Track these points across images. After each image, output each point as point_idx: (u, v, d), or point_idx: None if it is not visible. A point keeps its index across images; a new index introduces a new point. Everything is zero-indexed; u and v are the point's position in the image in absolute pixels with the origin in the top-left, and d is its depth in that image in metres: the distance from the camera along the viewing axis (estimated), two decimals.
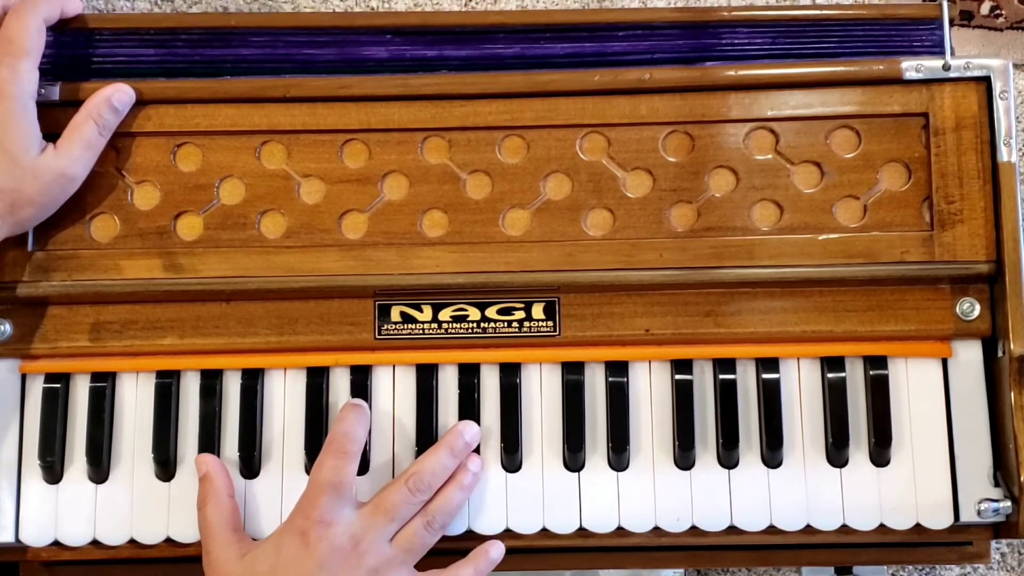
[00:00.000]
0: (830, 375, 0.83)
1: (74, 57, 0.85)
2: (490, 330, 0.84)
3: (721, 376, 0.83)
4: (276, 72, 0.86)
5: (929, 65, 0.83)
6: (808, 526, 0.82)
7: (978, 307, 0.83)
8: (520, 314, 0.84)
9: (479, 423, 0.83)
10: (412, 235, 0.84)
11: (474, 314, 0.84)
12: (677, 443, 0.83)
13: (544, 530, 0.83)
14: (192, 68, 0.86)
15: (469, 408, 0.84)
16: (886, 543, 0.84)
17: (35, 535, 0.83)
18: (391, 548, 0.78)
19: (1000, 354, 0.81)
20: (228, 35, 0.86)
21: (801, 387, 0.84)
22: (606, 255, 0.83)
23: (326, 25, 0.86)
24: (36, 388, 0.84)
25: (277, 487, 0.84)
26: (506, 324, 0.84)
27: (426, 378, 0.84)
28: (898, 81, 0.84)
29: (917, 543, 0.84)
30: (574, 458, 0.83)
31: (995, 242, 0.82)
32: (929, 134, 0.83)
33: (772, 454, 0.83)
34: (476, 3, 1.06)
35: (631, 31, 0.86)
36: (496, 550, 0.81)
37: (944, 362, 0.84)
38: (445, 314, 0.84)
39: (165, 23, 0.87)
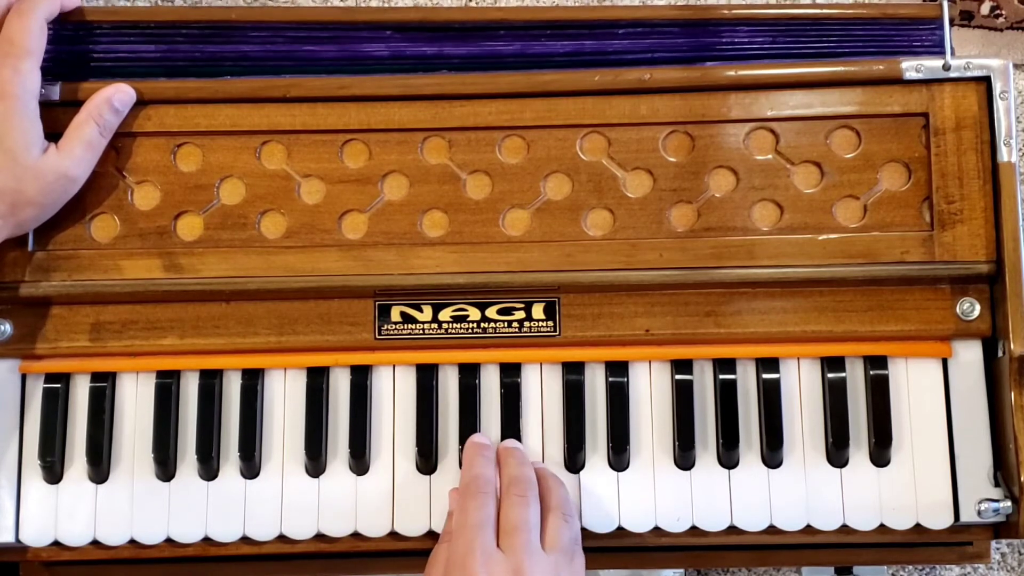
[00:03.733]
0: (830, 375, 0.83)
1: (74, 53, 0.86)
2: (490, 330, 0.84)
3: (721, 376, 0.83)
4: (277, 70, 0.86)
5: (929, 65, 0.83)
6: (808, 526, 0.82)
7: (978, 307, 0.83)
8: (520, 314, 0.84)
9: (479, 423, 0.83)
10: (412, 235, 0.84)
11: (474, 314, 0.84)
12: (677, 443, 0.83)
13: None
14: (193, 66, 0.86)
15: (469, 408, 0.84)
16: (886, 543, 0.84)
17: (35, 535, 0.83)
18: (548, 556, 0.75)
19: (1000, 354, 0.81)
20: (229, 30, 0.86)
21: (801, 387, 0.84)
22: (606, 255, 0.83)
23: (327, 20, 0.86)
24: (36, 388, 0.84)
25: (277, 488, 0.84)
26: (506, 324, 0.84)
27: (426, 378, 0.84)
28: (898, 81, 0.84)
29: (917, 543, 0.84)
30: (574, 458, 0.83)
31: (995, 242, 0.82)
32: (929, 134, 0.83)
33: (772, 454, 0.83)
34: (477, 0, 1.06)
35: (631, 28, 0.86)
36: (555, 479, 0.81)
37: (944, 362, 0.84)
38: (445, 314, 0.84)
39: (165, 17, 0.87)
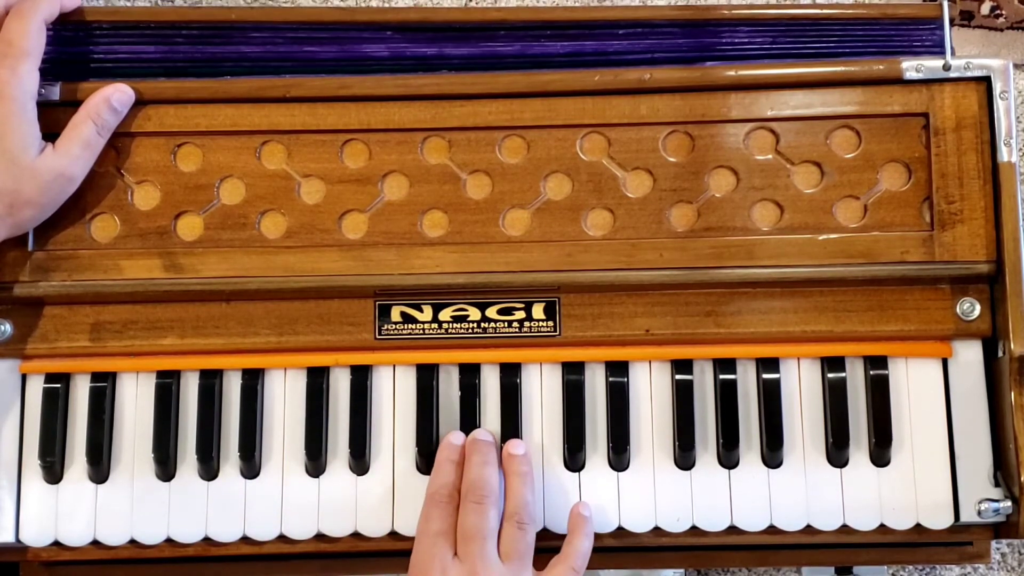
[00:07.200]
0: (830, 375, 0.83)
1: (74, 54, 0.86)
2: (490, 330, 0.84)
3: (721, 376, 0.83)
4: (277, 71, 0.86)
5: (929, 65, 0.83)
6: (808, 526, 0.82)
7: (978, 307, 0.83)
8: (520, 314, 0.84)
9: (479, 423, 0.84)
10: (412, 235, 0.84)
11: (474, 314, 0.84)
12: (677, 443, 0.83)
13: (545, 530, 0.83)
14: (193, 66, 0.86)
15: (469, 408, 0.84)
16: (886, 543, 0.84)
17: (35, 535, 0.83)
18: (504, 565, 0.77)
19: (1000, 354, 0.81)
20: (229, 30, 0.86)
21: (801, 387, 0.84)
22: (606, 255, 0.83)
23: (327, 20, 0.86)
24: (36, 388, 0.84)
25: (277, 488, 0.84)
26: (506, 324, 0.84)
27: (426, 378, 0.84)
28: (898, 81, 0.84)
29: (917, 543, 0.84)
30: (574, 458, 0.83)
31: (995, 242, 0.82)
32: (929, 134, 0.83)
33: (772, 454, 0.83)
34: (477, 1, 1.06)
35: (631, 29, 0.86)
36: (584, 508, 0.82)
37: (944, 362, 0.84)
38: (445, 314, 0.84)
39: (165, 17, 0.87)
